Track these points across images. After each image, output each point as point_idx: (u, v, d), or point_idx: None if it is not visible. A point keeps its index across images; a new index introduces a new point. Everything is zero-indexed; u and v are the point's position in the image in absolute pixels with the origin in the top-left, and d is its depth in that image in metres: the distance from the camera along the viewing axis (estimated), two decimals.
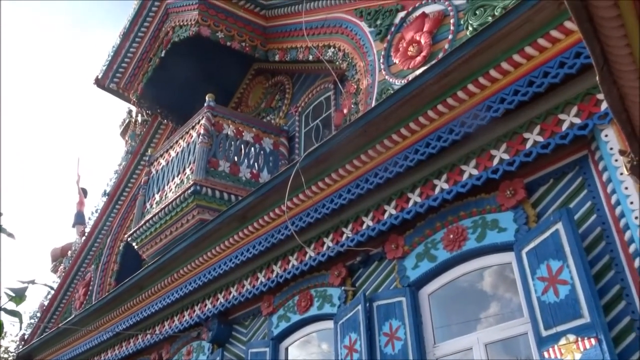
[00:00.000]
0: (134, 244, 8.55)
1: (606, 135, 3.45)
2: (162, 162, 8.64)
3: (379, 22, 6.02)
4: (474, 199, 4.25)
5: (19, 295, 2.21)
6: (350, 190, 4.92)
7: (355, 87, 6.28)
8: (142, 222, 8.17)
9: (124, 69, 9.87)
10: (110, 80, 9.99)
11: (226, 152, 7.77)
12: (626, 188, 3.26)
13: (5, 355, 16.13)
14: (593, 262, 3.42)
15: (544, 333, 3.36)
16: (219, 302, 6.51)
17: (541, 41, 3.69)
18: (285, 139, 8.25)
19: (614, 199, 3.37)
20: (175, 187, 7.84)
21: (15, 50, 44.80)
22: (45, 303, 11.73)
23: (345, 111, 6.85)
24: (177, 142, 8.40)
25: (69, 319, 9.61)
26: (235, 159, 7.84)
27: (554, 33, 3.63)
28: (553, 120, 3.72)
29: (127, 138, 12.06)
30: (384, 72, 5.63)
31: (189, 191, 7.23)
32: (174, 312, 7.32)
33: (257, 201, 5.73)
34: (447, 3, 5.25)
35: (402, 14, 5.77)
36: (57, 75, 49.03)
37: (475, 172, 4.12)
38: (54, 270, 12.69)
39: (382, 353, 4.36)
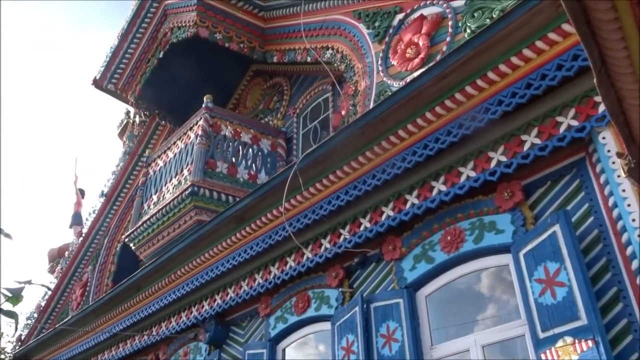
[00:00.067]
0: (131, 244, 8.53)
1: (604, 138, 3.45)
2: (160, 163, 8.63)
3: (377, 24, 6.03)
4: (471, 200, 4.25)
5: (15, 296, 2.21)
6: (348, 192, 4.92)
7: (354, 88, 6.29)
8: (140, 223, 8.16)
9: (122, 69, 9.85)
10: (108, 81, 9.98)
11: (224, 153, 7.76)
12: (623, 190, 3.26)
13: (2, 356, 16.08)
14: (590, 264, 3.42)
15: (541, 335, 3.36)
16: (216, 303, 6.50)
17: (539, 44, 3.69)
18: (283, 140, 8.25)
19: (611, 201, 3.37)
20: (173, 188, 7.83)
21: (14, 51, 44.76)
22: (42, 304, 11.71)
23: (343, 113, 6.85)
24: (174, 143, 8.39)
25: (66, 319, 9.58)
26: (233, 160, 7.83)
27: (552, 36, 3.63)
28: (551, 122, 3.72)
29: (124, 139, 12.05)
30: (382, 74, 5.64)
31: (187, 192, 7.23)
32: (171, 313, 7.30)
33: (255, 202, 5.72)
34: (445, 5, 5.25)
35: (400, 16, 5.78)
36: (55, 76, 49.01)
37: (472, 174, 4.12)
38: (51, 270, 12.65)
39: (380, 354, 4.35)
